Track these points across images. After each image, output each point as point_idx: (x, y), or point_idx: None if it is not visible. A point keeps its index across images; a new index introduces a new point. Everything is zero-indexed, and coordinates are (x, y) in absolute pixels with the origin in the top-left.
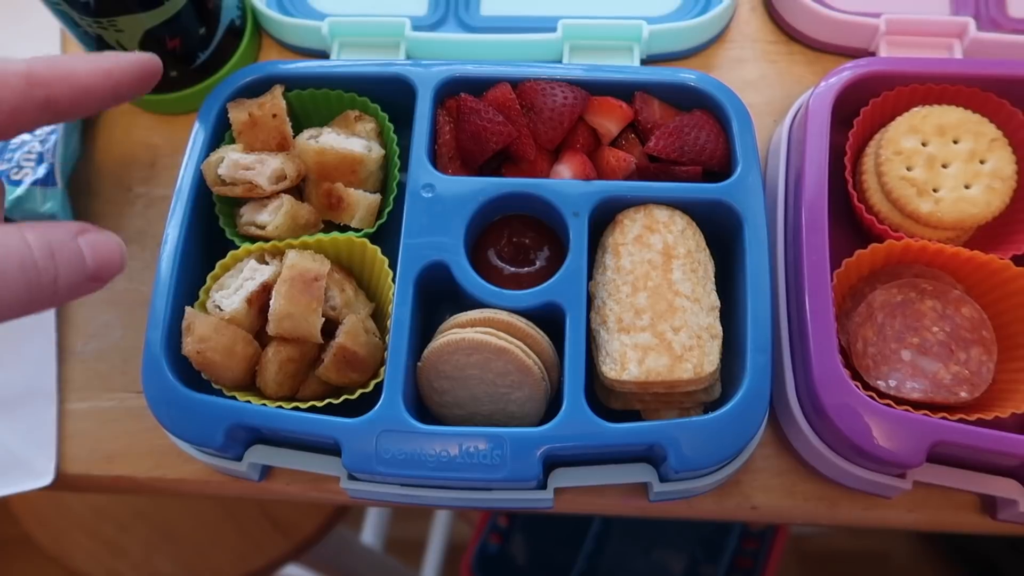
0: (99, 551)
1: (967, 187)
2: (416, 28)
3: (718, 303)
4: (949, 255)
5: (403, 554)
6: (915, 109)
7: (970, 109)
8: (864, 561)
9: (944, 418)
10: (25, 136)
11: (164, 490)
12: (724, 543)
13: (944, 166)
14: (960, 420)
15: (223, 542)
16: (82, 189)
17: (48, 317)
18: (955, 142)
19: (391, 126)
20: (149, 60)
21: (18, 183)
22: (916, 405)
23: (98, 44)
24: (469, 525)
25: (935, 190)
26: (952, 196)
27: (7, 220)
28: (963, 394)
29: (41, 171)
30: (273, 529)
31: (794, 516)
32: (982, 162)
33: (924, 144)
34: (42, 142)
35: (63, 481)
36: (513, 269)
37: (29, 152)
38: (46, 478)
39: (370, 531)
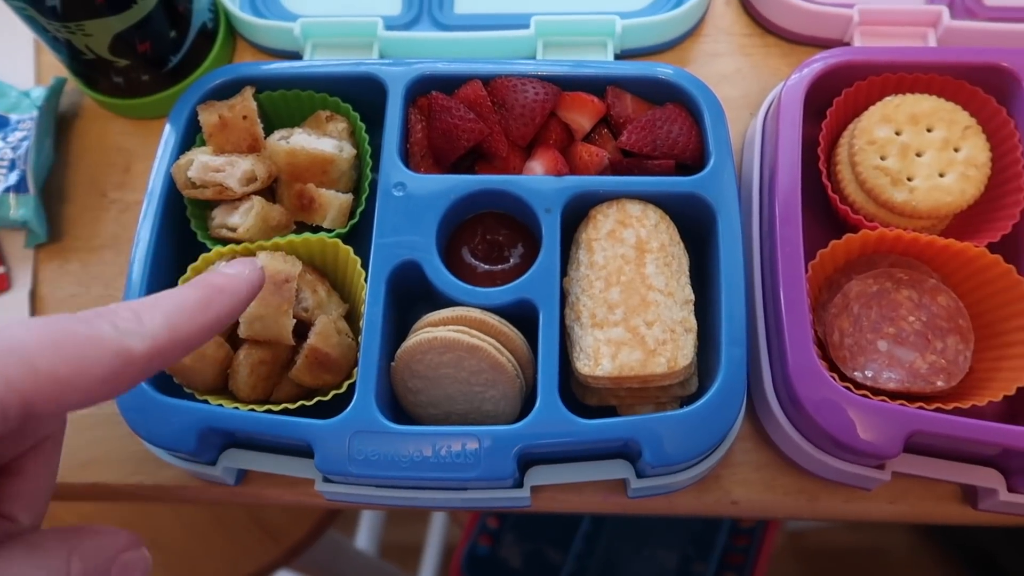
0: None
1: (941, 175)
2: (389, 27)
3: (692, 297)
4: (924, 244)
5: (398, 558)
6: (888, 98)
7: (943, 97)
8: (862, 556)
9: (921, 408)
10: None
11: (142, 496)
12: (714, 540)
13: (918, 155)
14: (937, 409)
15: (213, 549)
16: (56, 195)
17: None
18: (929, 130)
19: (363, 125)
20: (254, 281)
21: None
22: (893, 395)
23: (68, 48)
24: (460, 525)
25: (909, 179)
26: (926, 185)
27: None
28: (940, 383)
29: (13, 178)
30: (263, 535)
31: (775, 510)
32: (956, 150)
33: (898, 133)
34: (14, 148)
35: None
36: (487, 267)
37: (1, 159)
38: None
39: (364, 536)
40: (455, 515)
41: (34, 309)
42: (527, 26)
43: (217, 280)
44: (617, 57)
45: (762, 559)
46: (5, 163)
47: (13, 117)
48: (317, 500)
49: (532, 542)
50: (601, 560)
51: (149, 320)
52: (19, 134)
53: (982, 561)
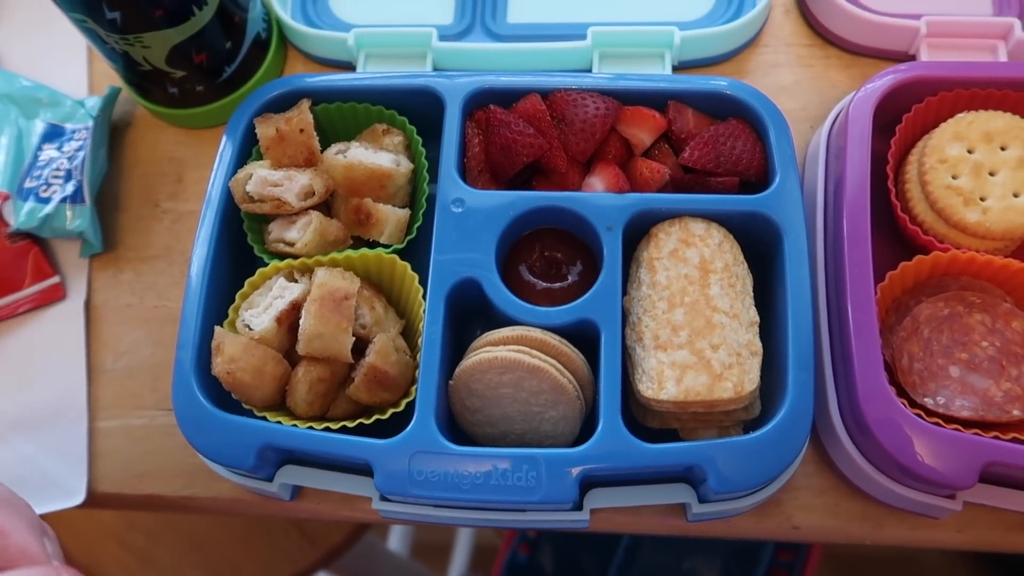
0: (129, 560)
1: (1016, 195)
2: (443, 38)
3: (757, 319)
4: (998, 267)
5: (429, 558)
6: (960, 115)
7: (1018, 114)
8: (895, 565)
9: (996, 437)
10: (53, 152)
11: (196, 509)
12: (759, 554)
13: (991, 174)
14: (1013, 439)
15: (252, 552)
16: (110, 204)
17: (78, 334)
18: (1003, 149)
19: (419, 139)
20: None
21: (47, 200)
22: (966, 424)
23: (124, 60)
24: (499, 533)
25: (982, 199)
26: (1000, 205)
27: (33, 236)
28: (1016, 412)
29: (69, 188)
30: (301, 538)
31: (837, 536)
32: None
33: (970, 151)
34: (70, 159)
35: (94, 500)
36: (545, 284)
37: (57, 169)
38: (78, 497)
39: (396, 537)
40: None
41: (89, 319)
42: (582, 36)
43: None
44: (675, 68)
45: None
46: (61, 173)
47: (68, 127)
48: (373, 517)
49: (572, 553)
50: (641, 572)
51: None
52: (75, 144)
53: (1017, 573)
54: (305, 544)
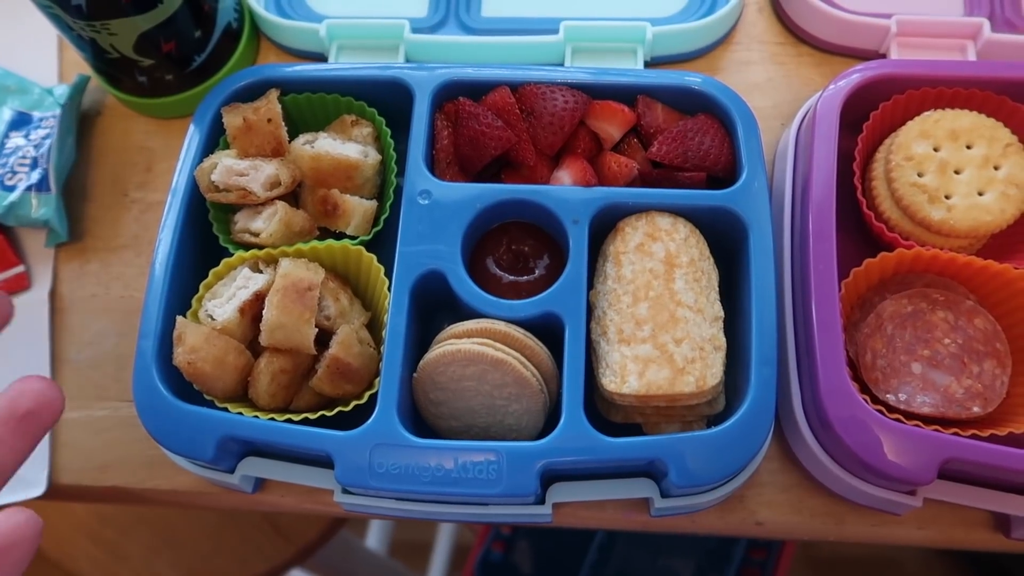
0: (100, 556)
1: (981, 194)
2: (416, 30)
3: (722, 313)
4: (961, 264)
5: (408, 558)
6: (927, 113)
7: (984, 113)
8: (874, 566)
9: (956, 434)
10: (19, 140)
11: (157, 501)
12: (731, 553)
13: (957, 172)
14: (973, 436)
15: (225, 547)
16: (77, 194)
17: (42, 324)
18: (968, 147)
19: (388, 131)
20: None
21: (12, 188)
22: (927, 420)
23: (92, 47)
24: (473, 530)
25: (947, 197)
26: (965, 203)
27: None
28: (976, 409)
29: (35, 176)
30: (275, 534)
31: (800, 532)
32: (996, 168)
33: (936, 149)
34: (36, 147)
35: (55, 491)
36: (512, 277)
37: (23, 157)
38: (37, 488)
39: (375, 535)
40: None
41: (54, 309)
42: (555, 31)
43: None
44: (647, 64)
45: (779, 574)
46: (27, 161)
47: (36, 115)
48: (335, 510)
49: (546, 550)
50: (615, 570)
51: None
52: (42, 132)
53: (996, 574)
54: (279, 540)
